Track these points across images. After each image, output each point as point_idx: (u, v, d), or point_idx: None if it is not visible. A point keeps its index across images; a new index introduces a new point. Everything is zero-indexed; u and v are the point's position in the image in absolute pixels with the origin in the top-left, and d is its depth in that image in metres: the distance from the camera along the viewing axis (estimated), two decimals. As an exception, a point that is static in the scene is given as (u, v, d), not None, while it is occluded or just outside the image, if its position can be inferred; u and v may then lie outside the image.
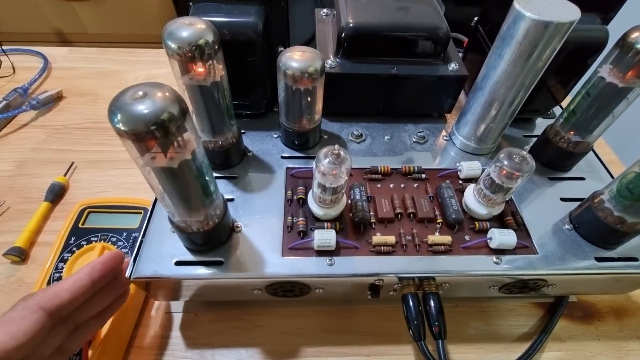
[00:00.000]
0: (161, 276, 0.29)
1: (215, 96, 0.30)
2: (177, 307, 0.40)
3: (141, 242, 0.31)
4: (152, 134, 0.19)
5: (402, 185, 0.37)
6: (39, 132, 0.57)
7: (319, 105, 0.36)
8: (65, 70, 0.67)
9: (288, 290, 0.32)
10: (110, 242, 0.39)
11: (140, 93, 0.19)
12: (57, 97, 0.61)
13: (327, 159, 0.28)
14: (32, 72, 0.64)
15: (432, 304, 0.31)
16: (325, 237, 0.30)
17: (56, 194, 0.48)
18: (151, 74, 0.67)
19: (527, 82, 0.33)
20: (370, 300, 0.40)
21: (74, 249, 0.39)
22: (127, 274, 0.29)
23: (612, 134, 0.52)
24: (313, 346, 0.38)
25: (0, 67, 0.66)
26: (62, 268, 0.37)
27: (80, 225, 0.41)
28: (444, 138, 0.42)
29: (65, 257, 0.38)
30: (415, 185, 0.37)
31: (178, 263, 0.30)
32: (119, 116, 0.19)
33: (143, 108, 0.19)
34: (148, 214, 0.33)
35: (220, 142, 0.34)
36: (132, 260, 0.30)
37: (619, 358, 0.38)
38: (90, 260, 0.38)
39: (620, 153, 0.56)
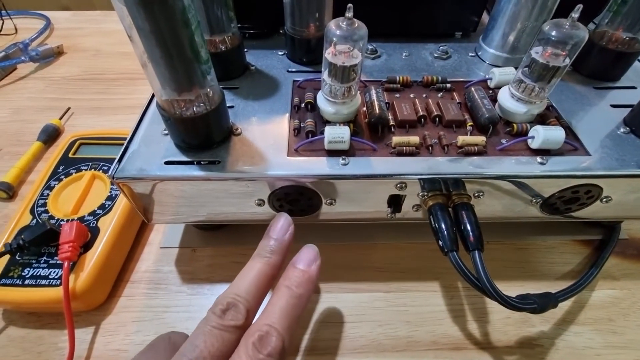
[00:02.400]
0: (148, 176, 0.25)
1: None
2: (174, 242, 0.36)
3: (129, 141, 0.27)
4: None
5: (424, 95, 0.32)
6: (38, 83, 0.54)
7: (329, 5, 0.32)
8: (68, 30, 0.66)
9: (295, 201, 0.28)
10: (101, 171, 0.36)
11: None
12: (58, 52, 0.59)
13: (339, 29, 0.24)
14: (34, 33, 0.62)
15: (464, 213, 0.26)
16: (337, 131, 0.26)
17: (49, 135, 0.45)
18: (155, 32, 0.65)
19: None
20: (390, 237, 0.36)
21: (62, 177, 0.35)
22: (110, 174, 0.25)
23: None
24: (325, 281, 0.33)
25: (2, 28, 0.64)
26: (48, 195, 0.34)
27: (70, 155, 0.38)
28: (470, 55, 0.37)
29: (52, 185, 0.35)
30: (440, 95, 0.32)
31: (168, 162, 0.26)
32: None
33: None
34: (141, 113, 0.29)
35: (218, 44, 0.31)
36: (117, 160, 0.26)
37: (687, 297, 0.32)
38: (77, 190, 0.34)
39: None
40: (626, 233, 0.37)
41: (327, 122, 0.29)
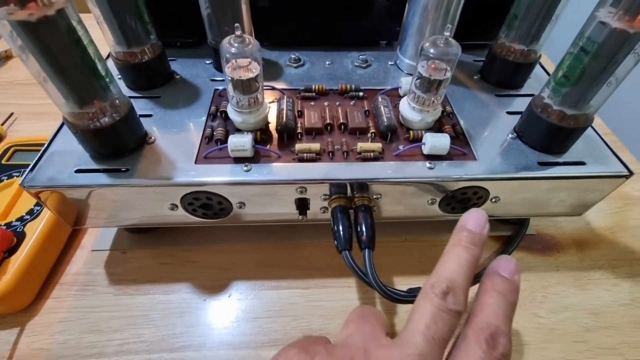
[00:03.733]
0: (57, 184, 0.27)
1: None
2: (105, 244, 0.37)
3: (45, 150, 0.29)
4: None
5: (338, 103, 0.34)
6: (-17, 88, 0.54)
7: (245, 17, 0.34)
8: (19, 34, 0.65)
9: (206, 206, 0.29)
10: (32, 177, 0.37)
11: None
12: (6, 57, 0.59)
13: (232, 47, 0.26)
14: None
15: (361, 215, 0.29)
16: (239, 140, 0.27)
17: (-11, 141, 0.45)
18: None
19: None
20: (313, 236, 0.38)
21: (-8, 183, 0.36)
22: (21, 182, 0.27)
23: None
24: (247, 280, 0.35)
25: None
26: (-25, 202, 0.35)
27: (3, 162, 0.38)
28: (390, 64, 0.39)
29: (-18, 192, 0.36)
30: (352, 102, 0.34)
31: (79, 171, 0.27)
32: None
33: None
34: (60, 122, 0.31)
35: (137, 55, 0.32)
36: (29, 168, 0.27)
37: (579, 287, 0.35)
38: (7, 196, 0.35)
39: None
40: (534, 229, 0.40)
41: (239, 131, 0.31)
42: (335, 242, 0.28)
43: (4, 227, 0.33)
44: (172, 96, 0.34)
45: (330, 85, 0.36)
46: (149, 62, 0.33)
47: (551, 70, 0.39)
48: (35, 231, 0.33)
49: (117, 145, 0.28)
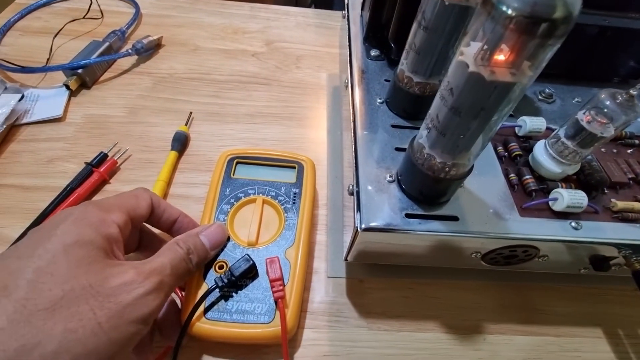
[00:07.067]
0: (394, 229, 0.25)
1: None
2: (339, 271, 0.36)
3: (358, 192, 0.27)
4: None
5: (614, 151, 0.33)
6: (144, 79, 0.52)
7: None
8: (157, 18, 0.62)
9: (509, 256, 0.28)
10: (269, 196, 0.35)
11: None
12: (157, 45, 0.56)
13: (612, 101, 0.24)
14: (121, 17, 0.59)
15: (677, 280, 0.28)
16: (577, 197, 0.26)
17: (182, 143, 0.44)
18: (248, 27, 0.62)
19: None
20: (543, 278, 0.37)
21: (232, 200, 0.35)
22: (357, 224, 0.25)
23: None
24: (494, 322, 0.34)
25: (89, 11, 0.60)
26: (225, 221, 0.33)
27: (232, 176, 0.37)
28: None
29: (225, 209, 0.34)
30: (629, 151, 0.33)
31: (409, 215, 0.26)
32: None
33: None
34: (354, 164, 0.29)
35: (427, 86, 0.30)
36: (356, 210, 0.26)
37: None
38: (252, 212, 0.34)
39: None
40: None
41: (542, 178, 0.29)
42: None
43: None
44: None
45: (593, 128, 0.34)
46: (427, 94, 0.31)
47: None
48: (296, 259, 0.32)
49: (442, 193, 0.26)
